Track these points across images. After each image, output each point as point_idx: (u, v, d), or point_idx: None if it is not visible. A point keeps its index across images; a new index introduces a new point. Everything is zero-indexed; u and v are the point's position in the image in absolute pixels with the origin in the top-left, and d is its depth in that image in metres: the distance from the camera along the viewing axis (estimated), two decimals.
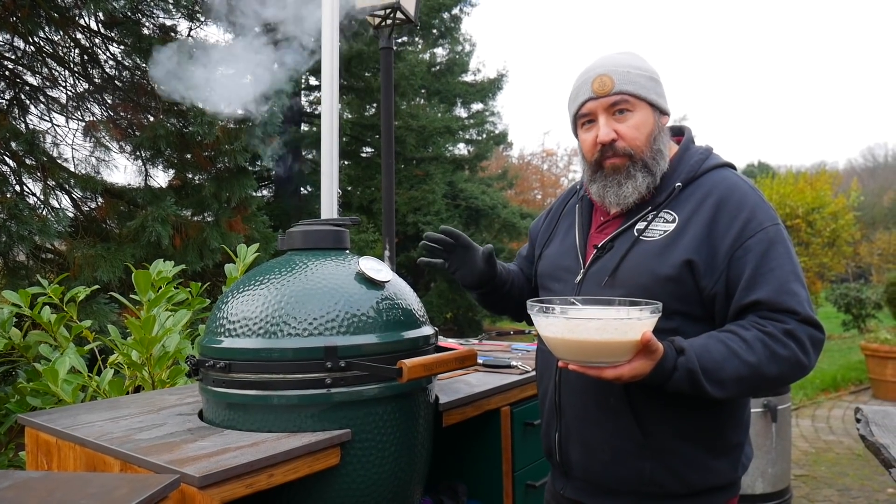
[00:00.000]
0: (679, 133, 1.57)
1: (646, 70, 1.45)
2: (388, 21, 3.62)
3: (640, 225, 1.43)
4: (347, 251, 1.68)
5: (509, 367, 2.15)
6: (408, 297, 1.62)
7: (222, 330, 1.46)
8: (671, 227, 1.39)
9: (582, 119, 1.48)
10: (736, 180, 1.43)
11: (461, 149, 14.74)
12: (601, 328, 1.17)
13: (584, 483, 1.49)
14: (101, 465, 1.31)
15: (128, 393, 2.24)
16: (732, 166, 1.49)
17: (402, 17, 3.59)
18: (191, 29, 6.48)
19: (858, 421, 1.75)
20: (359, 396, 1.41)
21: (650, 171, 1.43)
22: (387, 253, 3.68)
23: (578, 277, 1.48)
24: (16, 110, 5.60)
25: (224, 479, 1.14)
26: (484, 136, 14.61)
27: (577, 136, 1.54)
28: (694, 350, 1.27)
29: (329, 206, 3.26)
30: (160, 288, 2.39)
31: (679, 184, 1.43)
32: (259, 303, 1.44)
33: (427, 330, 1.61)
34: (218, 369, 1.42)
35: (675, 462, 1.38)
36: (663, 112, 1.48)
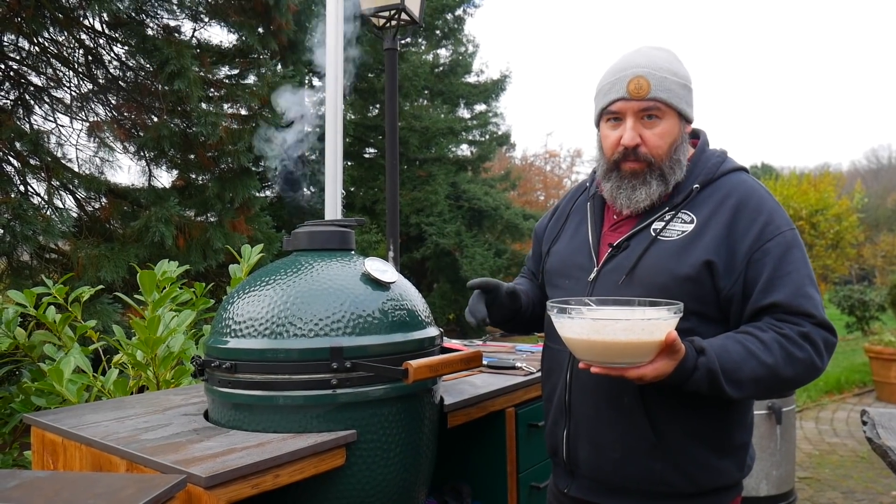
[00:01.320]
0: (694, 136, 1.57)
1: (682, 77, 1.44)
2: (393, 22, 3.63)
3: (658, 225, 1.43)
4: (353, 252, 1.68)
5: (514, 368, 2.14)
6: (413, 298, 1.62)
7: (228, 330, 1.46)
8: (689, 227, 1.40)
9: (608, 115, 1.47)
10: (753, 184, 1.45)
11: (464, 150, 14.75)
12: (628, 328, 1.16)
13: (591, 482, 1.49)
14: (107, 464, 1.31)
15: (132, 393, 2.24)
16: (747, 170, 1.50)
17: (407, 17, 3.59)
18: (195, 29, 6.50)
19: (865, 423, 1.74)
20: (364, 397, 1.41)
21: (665, 180, 1.44)
22: (391, 254, 3.68)
23: (592, 275, 1.48)
24: (20, 110, 5.62)
25: (230, 479, 1.14)
26: (487, 137, 14.62)
27: (598, 126, 1.53)
28: (713, 350, 1.27)
29: (333, 207, 3.27)
30: (164, 288, 2.39)
31: (697, 185, 1.44)
32: (265, 303, 1.44)
33: (432, 331, 1.61)
34: (223, 370, 1.42)
35: (685, 461, 1.39)
36: (688, 120, 1.48)
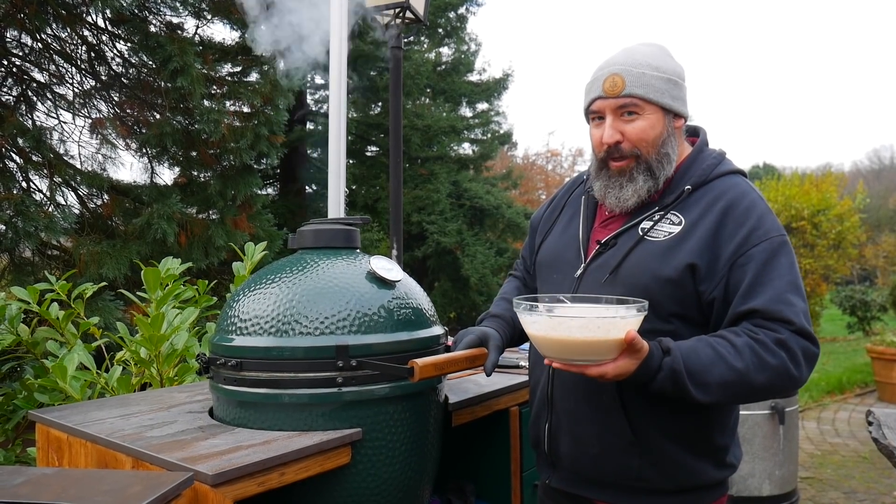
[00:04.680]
0: (694, 133, 1.56)
1: (665, 71, 1.42)
2: (398, 20, 3.62)
3: (646, 224, 1.42)
4: (358, 250, 1.68)
5: (517, 367, 2.14)
6: (418, 296, 1.62)
7: (233, 328, 1.46)
8: (677, 229, 1.39)
9: (592, 115, 1.48)
10: (746, 188, 1.43)
11: (466, 148, 14.72)
12: (584, 326, 1.17)
13: (571, 474, 1.50)
14: (113, 461, 1.30)
15: (135, 391, 2.24)
16: (744, 173, 1.49)
17: (412, 16, 3.58)
18: (197, 27, 6.50)
19: (870, 424, 1.73)
20: (370, 395, 1.41)
21: (653, 175, 1.43)
22: (394, 252, 3.68)
23: (578, 271, 1.48)
24: (23, 107, 5.62)
25: (237, 477, 1.14)
26: (489, 135, 14.59)
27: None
28: (681, 351, 1.27)
29: (336, 205, 3.26)
30: (167, 285, 2.39)
31: (689, 186, 1.43)
32: (270, 301, 1.44)
33: (437, 329, 1.61)
34: (229, 367, 1.42)
35: (662, 460, 1.39)
36: (678, 115, 1.46)
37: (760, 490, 3.45)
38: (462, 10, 13.83)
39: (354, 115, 12.87)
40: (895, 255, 18.52)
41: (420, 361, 1.34)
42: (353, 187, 12.97)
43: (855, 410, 6.39)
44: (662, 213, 1.42)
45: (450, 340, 1.67)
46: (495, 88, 14.23)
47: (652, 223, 1.42)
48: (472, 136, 14.51)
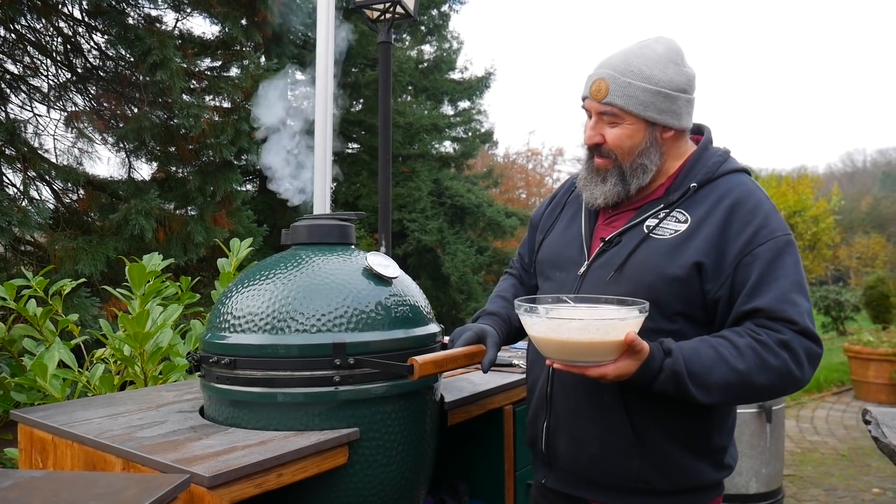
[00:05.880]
0: (698, 132, 1.54)
1: (657, 82, 1.37)
2: (388, 15, 3.57)
3: (651, 222, 1.41)
4: (353, 246, 1.64)
5: (511, 365, 2.12)
6: (414, 293, 1.59)
7: (226, 325, 1.41)
8: (683, 227, 1.37)
9: (585, 109, 1.49)
10: (751, 186, 1.41)
11: (447, 146, 14.70)
12: (582, 328, 1.16)
13: (568, 474, 1.48)
14: (102, 463, 1.25)
15: (116, 389, 2.18)
16: (748, 172, 1.47)
17: (402, 11, 3.53)
18: (177, 20, 6.38)
19: (868, 423, 1.74)
20: (367, 394, 1.37)
21: (624, 181, 1.43)
22: (383, 249, 3.63)
23: (582, 269, 1.46)
24: None
25: (234, 478, 1.10)
26: (470, 134, 14.59)
27: None
28: (682, 353, 1.26)
29: (322, 202, 3.21)
30: (148, 282, 2.32)
31: (694, 184, 1.41)
32: (265, 298, 1.40)
33: (434, 327, 1.58)
34: (222, 365, 1.37)
35: (662, 461, 1.38)
36: (666, 127, 1.41)
37: (747, 488, 3.47)
38: (445, 8, 13.82)
39: (336, 112, 12.76)
40: (868, 256, 18.89)
41: (420, 359, 1.31)
42: (335, 184, 12.87)
43: (832, 409, 6.48)
44: (668, 210, 1.41)
45: (445, 339, 1.64)
46: (477, 87, 14.23)
47: (657, 221, 1.40)
48: (454, 135, 14.50)
